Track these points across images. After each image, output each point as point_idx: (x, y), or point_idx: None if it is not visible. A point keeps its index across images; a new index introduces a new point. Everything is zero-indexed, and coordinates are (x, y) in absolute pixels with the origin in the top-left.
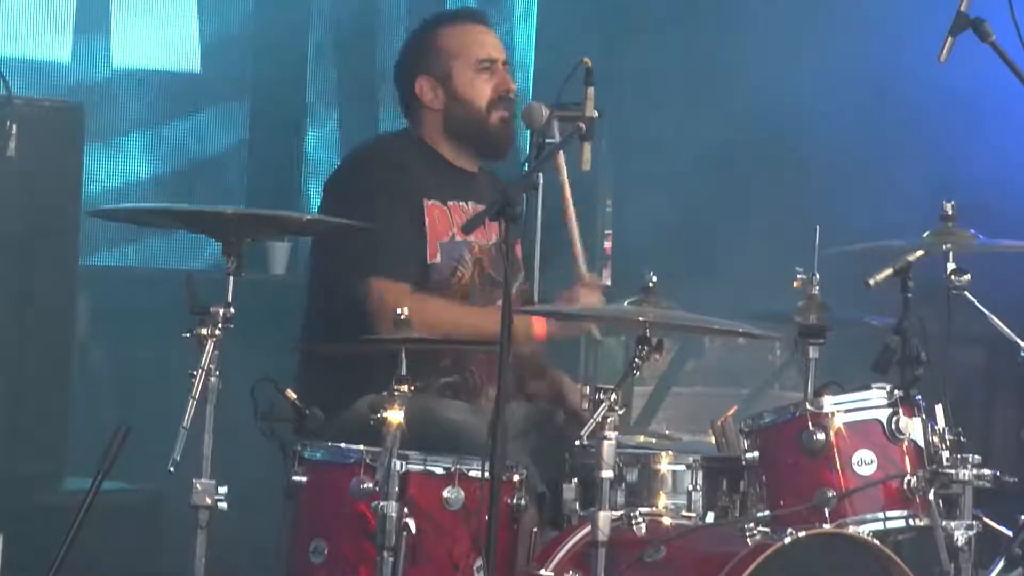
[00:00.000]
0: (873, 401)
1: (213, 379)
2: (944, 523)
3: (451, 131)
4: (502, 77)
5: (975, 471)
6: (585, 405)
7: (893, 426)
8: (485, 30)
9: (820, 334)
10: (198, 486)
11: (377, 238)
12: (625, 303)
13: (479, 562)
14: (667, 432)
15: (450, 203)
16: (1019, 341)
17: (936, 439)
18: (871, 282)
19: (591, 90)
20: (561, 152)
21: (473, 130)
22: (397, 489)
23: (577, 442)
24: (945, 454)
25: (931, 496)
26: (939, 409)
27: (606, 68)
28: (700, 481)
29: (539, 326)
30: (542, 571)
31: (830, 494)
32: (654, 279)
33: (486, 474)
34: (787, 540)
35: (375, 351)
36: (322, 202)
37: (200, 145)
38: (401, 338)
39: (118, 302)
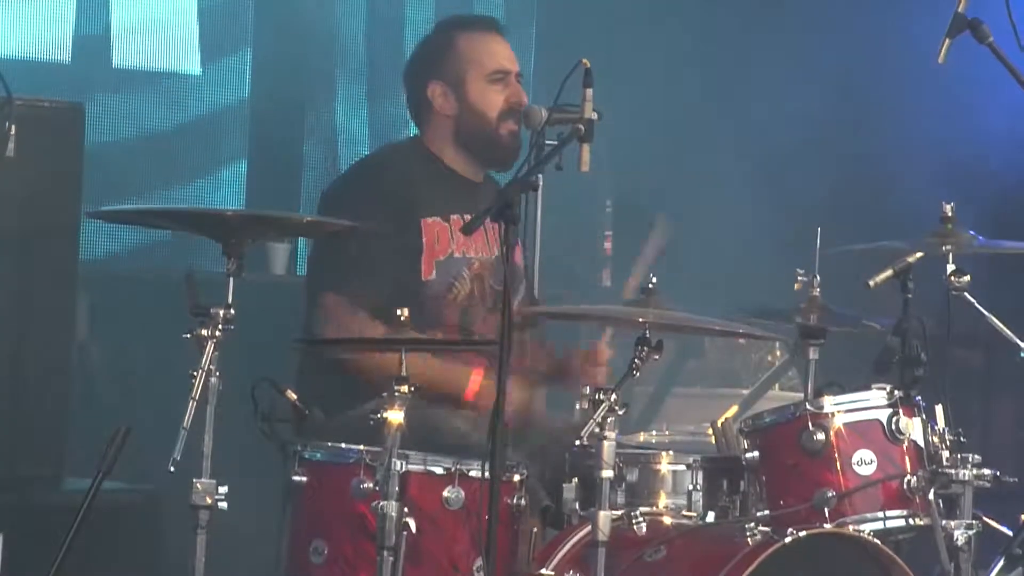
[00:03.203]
0: (873, 401)
1: (213, 380)
2: (944, 523)
3: (460, 139)
4: (514, 89)
5: (975, 471)
6: (586, 404)
7: (893, 426)
8: (500, 40)
9: (820, 334)
10: (198, 486)
11: (347, 255)
12: (625, 304)
13: (479, 562)
14: (667, 432)
15: (452, 217)
16: (1019, 342)
17: (936, 439)
18: (871, 283)
19: (589, 91)
20: None
21: (482, 140)
22: (397, 489)
23: (577, 442)
24: (945, 454)
25: (931, 496)
26: (939, 409)
27: (605, 68)
28: (700, 481)
29: (474, 383)
30: (542, 571)
31: (830, 494)
32: (654, 280)
33: (486, 474)
34: (787, 540)
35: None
36: (317, 211)
37: (200, 146)
38: (402, 339)
39: (118, 302)
